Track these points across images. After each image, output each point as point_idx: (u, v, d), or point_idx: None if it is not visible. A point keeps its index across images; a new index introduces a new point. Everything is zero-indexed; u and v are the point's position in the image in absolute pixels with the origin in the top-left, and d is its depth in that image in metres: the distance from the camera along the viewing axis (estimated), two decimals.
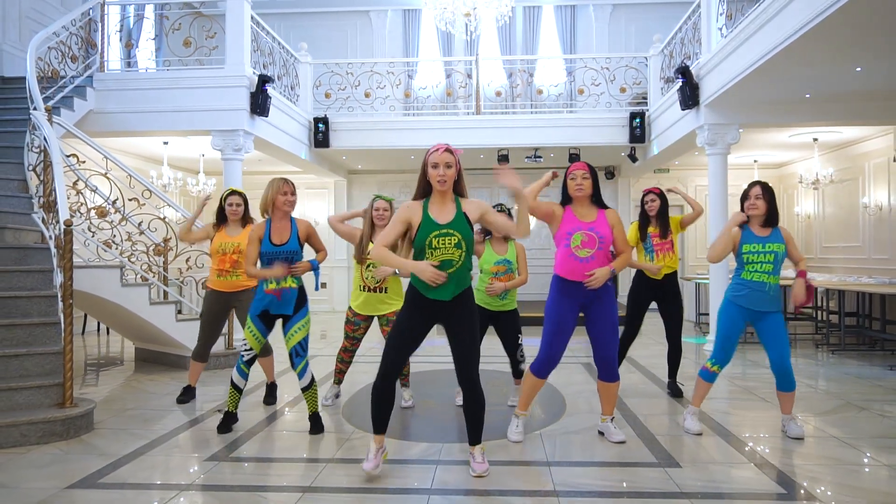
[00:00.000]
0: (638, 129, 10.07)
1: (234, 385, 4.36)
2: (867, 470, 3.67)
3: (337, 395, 5.22)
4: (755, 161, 11.81)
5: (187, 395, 5.33)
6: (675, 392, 5.48)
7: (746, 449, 4.03)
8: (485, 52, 12.29)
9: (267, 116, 8.20)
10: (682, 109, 8.06)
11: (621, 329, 4.68)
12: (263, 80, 7.86)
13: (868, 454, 3.90)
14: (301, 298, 4.31)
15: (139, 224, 6.64)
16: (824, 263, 11.16)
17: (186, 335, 6.63)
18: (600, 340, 4.01)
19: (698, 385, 4.36)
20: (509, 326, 4.89)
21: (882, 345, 7.96)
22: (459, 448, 4.03)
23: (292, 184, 4.29)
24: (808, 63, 6.03)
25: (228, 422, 4.43)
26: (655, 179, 12.79)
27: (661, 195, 5.43)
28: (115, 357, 7.73)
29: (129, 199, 6.50)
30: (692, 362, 7.03)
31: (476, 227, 4.04)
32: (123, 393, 5.70)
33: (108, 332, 9.88)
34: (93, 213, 6.35)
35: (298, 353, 4.26)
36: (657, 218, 5.35)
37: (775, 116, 7.79)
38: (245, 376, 4.35)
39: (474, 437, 3.59)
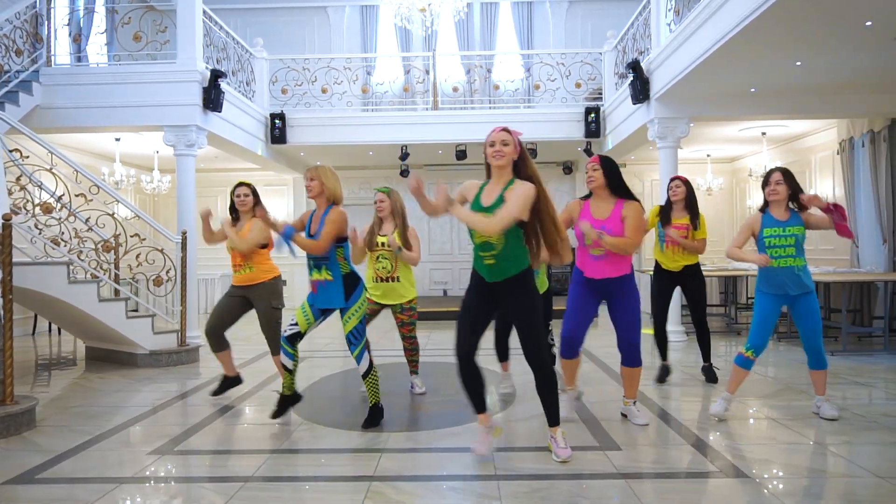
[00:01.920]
0: (593, 123, 10.21)
1: (283, 367, 4.26)
2: (800, 448, 3.79)
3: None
4: (708, 155, 12.04)
5: (233, 384, 5.23)
6: (709, 377, 5.52)
7: (686, 432, 4.13)
8: (442, 48, 12.32)
9: (220, 112, 8.12)
10: (634, 104, 8.20)
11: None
12: (216, 75, 7.79)
13: (801, 434, 4.03)
14: (350, 287, 4.18)
15: (87, 220, 6.53)
16: None
17: (138, 332, 6.56)
18: (622, 326, 4.13)
19: (734, 371, 4.41)
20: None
21: (825, 332, 8.18)
22: (405, 437, 4.07)
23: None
24: (749, 57, 6.19)
25: (286, 404, 4.35)
26: None
27: (687, 182, 5.42)
28: (66, 357, 7.59)
29: (77, 195, 6.39)
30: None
31: None
32: (70, 391, 5.61)
33: (59, 333, 9.68)
34: (38, 209, 6.23)
35: (351, 342, 4.19)
36: (685, 205, 5.37)
37: (723, 110, 7.97)
38: (291, 357, 4.21)
39: (553, 417, 3.63)
